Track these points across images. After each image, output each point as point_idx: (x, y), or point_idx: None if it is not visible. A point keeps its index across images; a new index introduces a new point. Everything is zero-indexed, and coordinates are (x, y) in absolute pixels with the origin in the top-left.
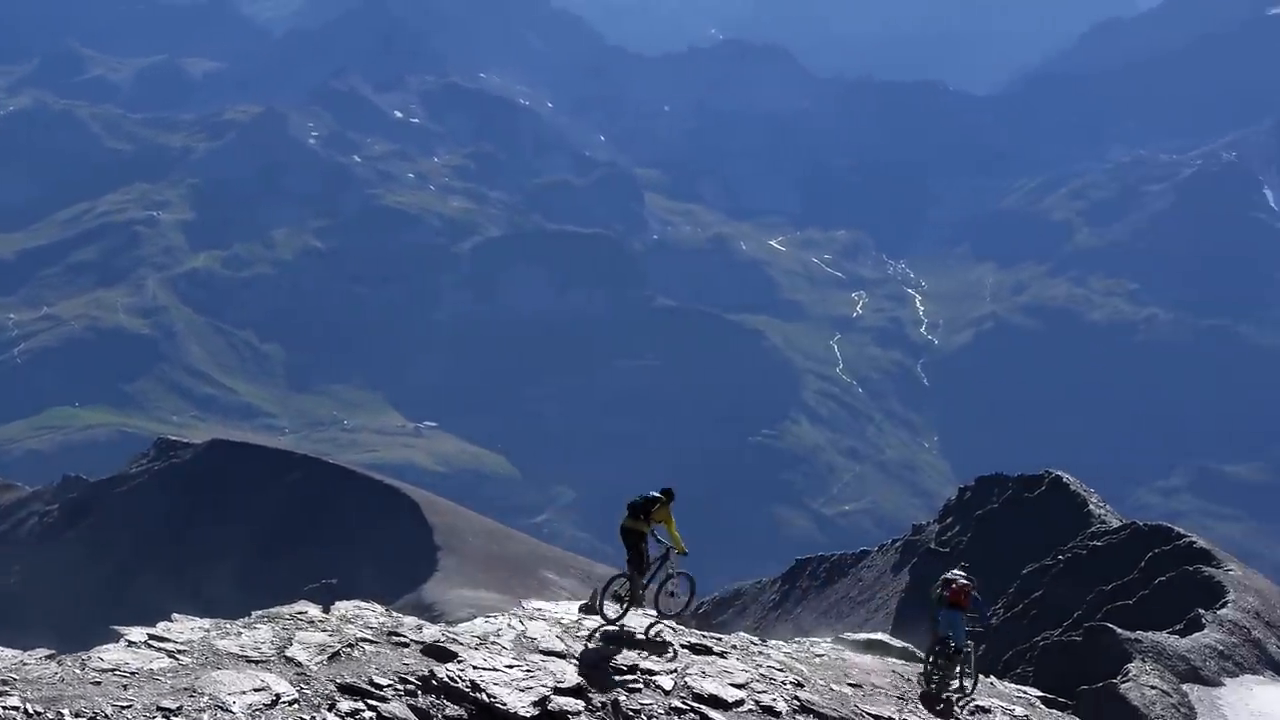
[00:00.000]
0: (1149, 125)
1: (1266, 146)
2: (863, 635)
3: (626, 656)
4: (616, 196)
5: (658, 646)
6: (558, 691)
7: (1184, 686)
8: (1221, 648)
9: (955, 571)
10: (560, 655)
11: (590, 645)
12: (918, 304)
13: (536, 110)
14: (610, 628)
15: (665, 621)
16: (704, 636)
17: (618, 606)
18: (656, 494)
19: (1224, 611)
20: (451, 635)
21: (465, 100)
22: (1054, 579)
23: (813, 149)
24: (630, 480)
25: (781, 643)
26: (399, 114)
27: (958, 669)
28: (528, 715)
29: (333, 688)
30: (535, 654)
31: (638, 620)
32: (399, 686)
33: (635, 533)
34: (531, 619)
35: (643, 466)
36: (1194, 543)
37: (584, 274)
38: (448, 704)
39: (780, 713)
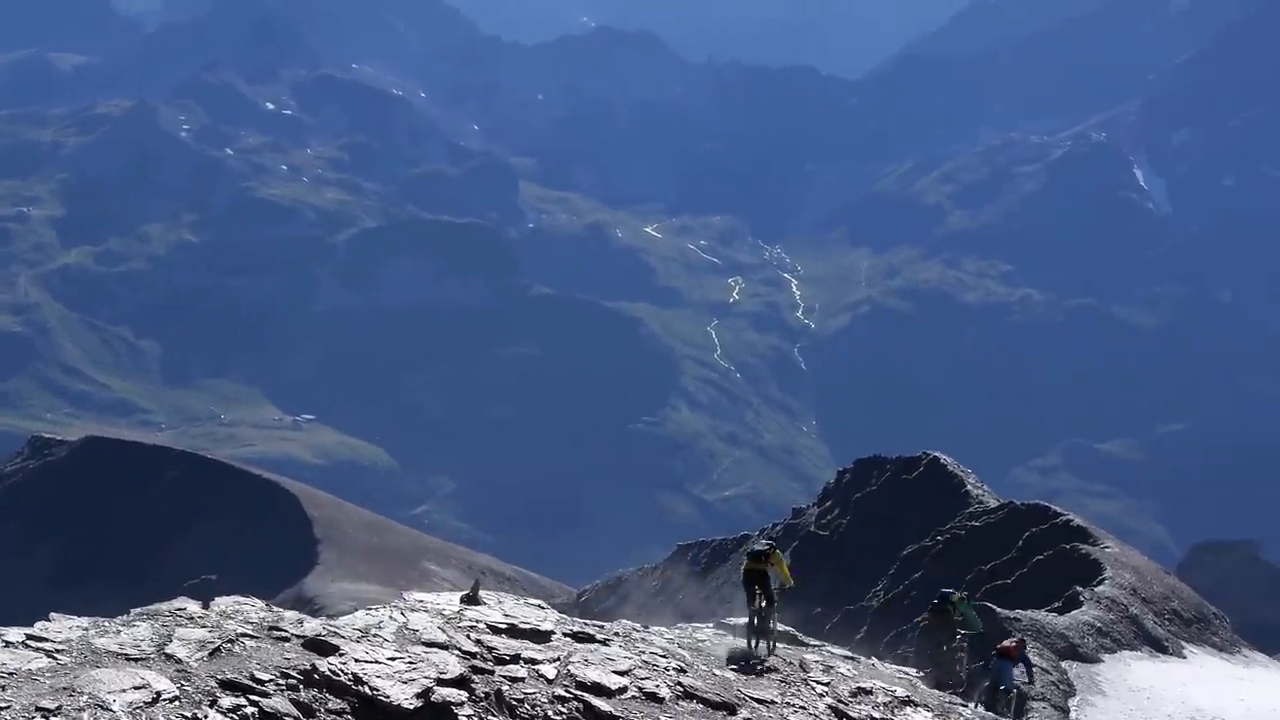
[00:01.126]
0: (1019, 107)
1: (1135, 127)
2: (744, 620)
3: (509, 646)
4: (491, 186)
5: (540, 635)
6: (441, 683)
7: (1063, 664)
8: (1099, 625)
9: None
10: (443, 647)
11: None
12: (794, 289)
13: (410, 100)
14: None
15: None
16: (586, 624)
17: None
18: (768, 544)
19: (1101, 589)
20: (333, 629)
21: (338, 92)
22: (933, 560)
23: (686, 135)
24: (511, 469)
25: (664, 629)
26: (271, 106)
27: (1002, 707)
28: (411, 707)
29: (213, 684)
30: (418, 646)
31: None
32: (280, 681)
33: (759, 573)
34: (413, 611)
35: (522, 455)
36: (1071, 521)
37: (460, 263)
38: (330, 697)
39: (663, 699)
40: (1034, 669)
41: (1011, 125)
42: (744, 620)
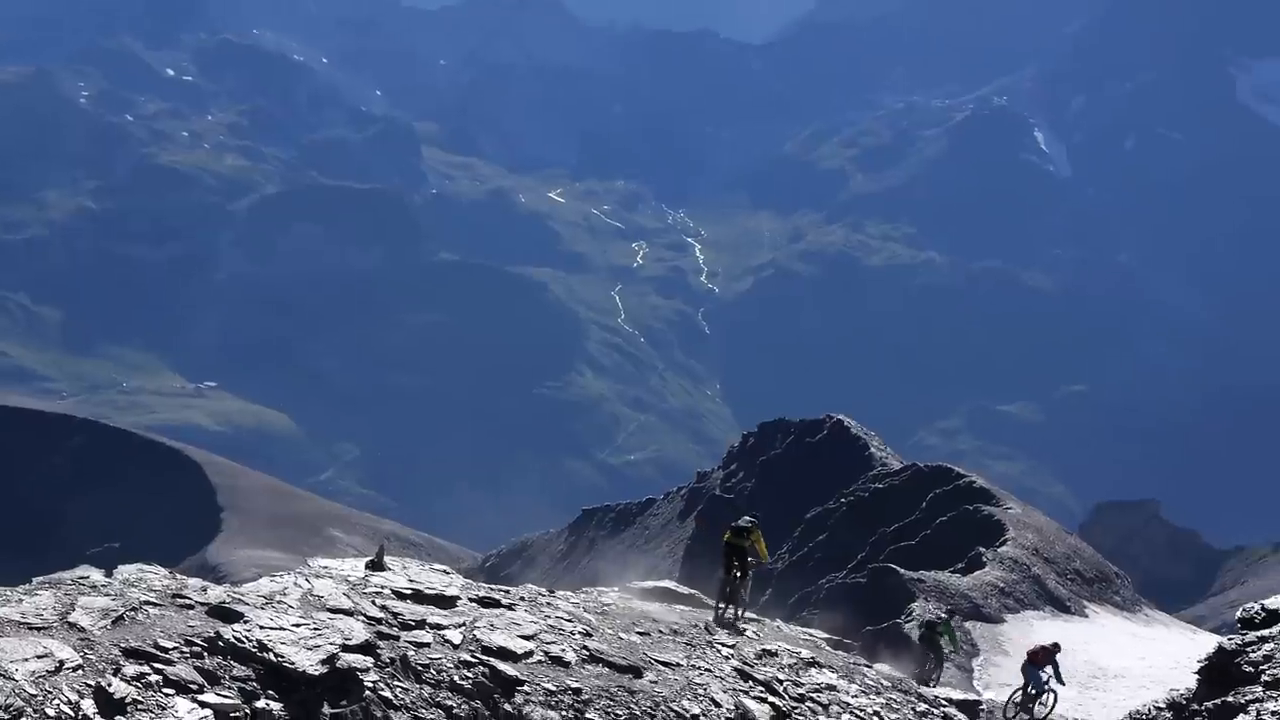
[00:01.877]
0: (921, 72)
1: (1035, 91)
2: (650, 583)
3: (415, 611)
4: (394, 151)
5: (446, 601)
6: (346, 649)
7: (967, 624)
8: (1002, 585)
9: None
10: (348, 613)
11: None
12: (697, 253)
13: (311, 66)
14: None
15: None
16: (492, 590)
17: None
18: (751, 521)
19: (1004, 549)
20: (237, 595)
21: (239, 57)
22: (838, 522)
23: (589, 100)
24: (415, 436)
25: (569, 593)
26: (171, 72)
27: (1037, 708)
28: (316, 674)
29: (117, 652)
30: (323, 612)
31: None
32: (185, 649)
33: (738, 547)
34: (318, 577)
35: (427, 421)
36: (974, 482)
37: (363, 230)
38: (235, 665)
39: (569, 663)
40: (1060, 670)
41: (913, 90)
42: (650, 585)
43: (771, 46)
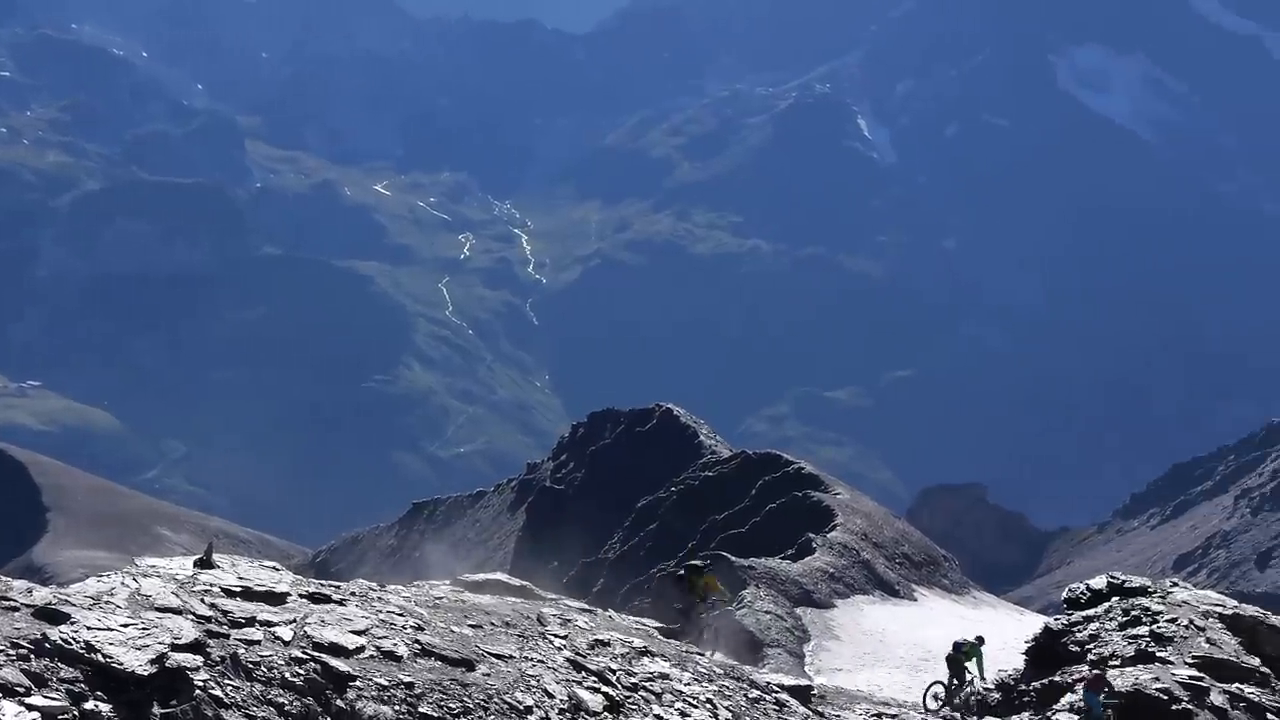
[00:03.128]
0: (745, 59)
1: (858, 78)
2: (481, 575)
3: (245, 609)
4: (217, 145)
5: (276, 598)
6: (175, 648)
7: (797, 610)
8: (832, 570)
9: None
10: (177, 612)
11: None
12: (524, 244)
13: (132, 60)
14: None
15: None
16: (322, 585)
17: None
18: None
19: (833, 535)
20: (64, 597)
21: (58, 52)
22: (668, 510)
23: (415, 92)
24: (243, 432)
25: (401, 587)
26: None
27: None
28: (145, 674)
29: None
30: (151, 611)
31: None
32: (10, 652)
33: (691, 583)
34: (146, 576)
35: (254, 417)
36: (802, 469)
37: (186, 225)
38: (63, 666)
39: (401, 657)
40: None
41: (738, 77)
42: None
43: (596, 36)
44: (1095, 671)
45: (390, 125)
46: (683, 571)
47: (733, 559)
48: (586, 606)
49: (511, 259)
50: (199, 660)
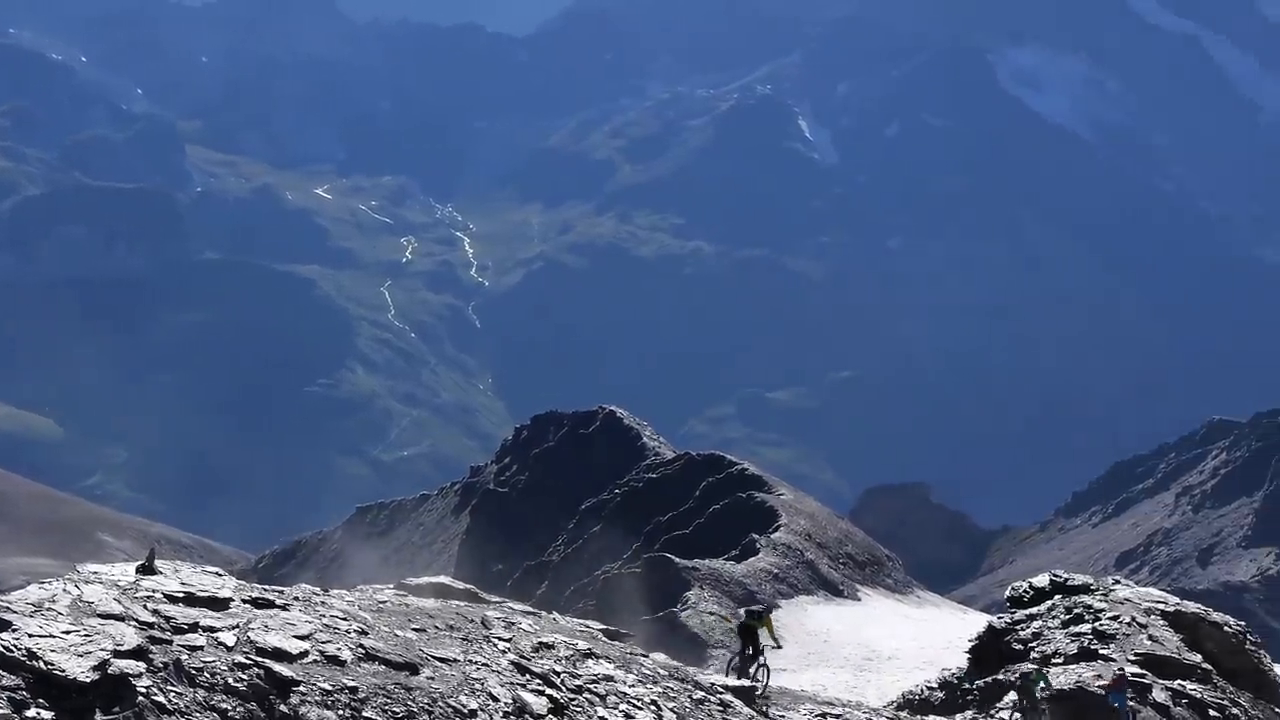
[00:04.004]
0: (686, 60)
1: (798, 79)
2: (425, 579)
3: (187, 615)
4: (157, 150)
5: (219, 603)
6: (118, 655)
7: (741, 611)
8: (776, 570)
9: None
10: (119, 618)
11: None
12: (467, 247)
13: (70, 65)
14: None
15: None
16: (265, 590)
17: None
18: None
19: (777, 535)
20: (5, 604)
21: None
22: (612, 512)
23: (355, 95)
24: (185, 437)
25: (344, 592)
26: None
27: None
28: (88, 680)
29: None
30: (93, 618)
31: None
32: None
33: (751, 629)
34: (87, 583)
35: (196, 423)
36: (745, 470)
37: (127, 230)
38: (4, 674)
39: (345, 661)
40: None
41: (680, 79)
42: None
43: (537, 38)
44: (1117, 672)
45: (331, 129)
46: (749, 620)
47: (677, 560)
48: (531, 609)
49: (454, 262)
50: (142, 667)
